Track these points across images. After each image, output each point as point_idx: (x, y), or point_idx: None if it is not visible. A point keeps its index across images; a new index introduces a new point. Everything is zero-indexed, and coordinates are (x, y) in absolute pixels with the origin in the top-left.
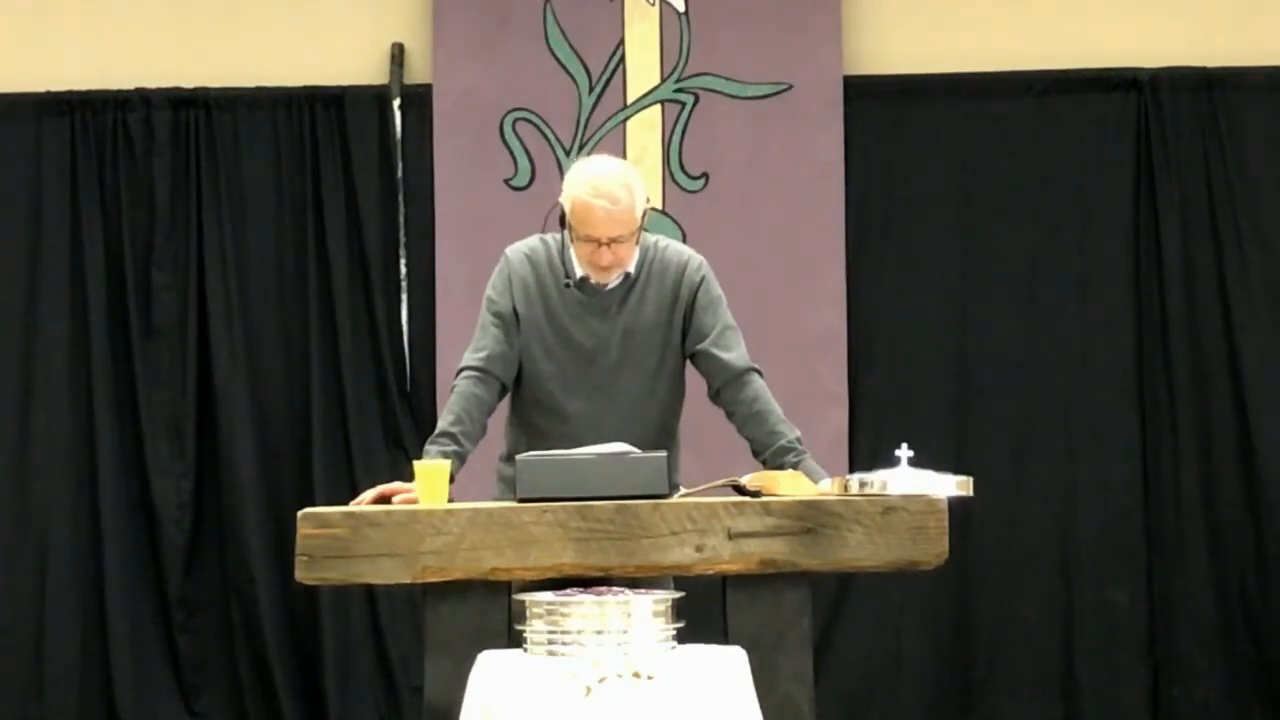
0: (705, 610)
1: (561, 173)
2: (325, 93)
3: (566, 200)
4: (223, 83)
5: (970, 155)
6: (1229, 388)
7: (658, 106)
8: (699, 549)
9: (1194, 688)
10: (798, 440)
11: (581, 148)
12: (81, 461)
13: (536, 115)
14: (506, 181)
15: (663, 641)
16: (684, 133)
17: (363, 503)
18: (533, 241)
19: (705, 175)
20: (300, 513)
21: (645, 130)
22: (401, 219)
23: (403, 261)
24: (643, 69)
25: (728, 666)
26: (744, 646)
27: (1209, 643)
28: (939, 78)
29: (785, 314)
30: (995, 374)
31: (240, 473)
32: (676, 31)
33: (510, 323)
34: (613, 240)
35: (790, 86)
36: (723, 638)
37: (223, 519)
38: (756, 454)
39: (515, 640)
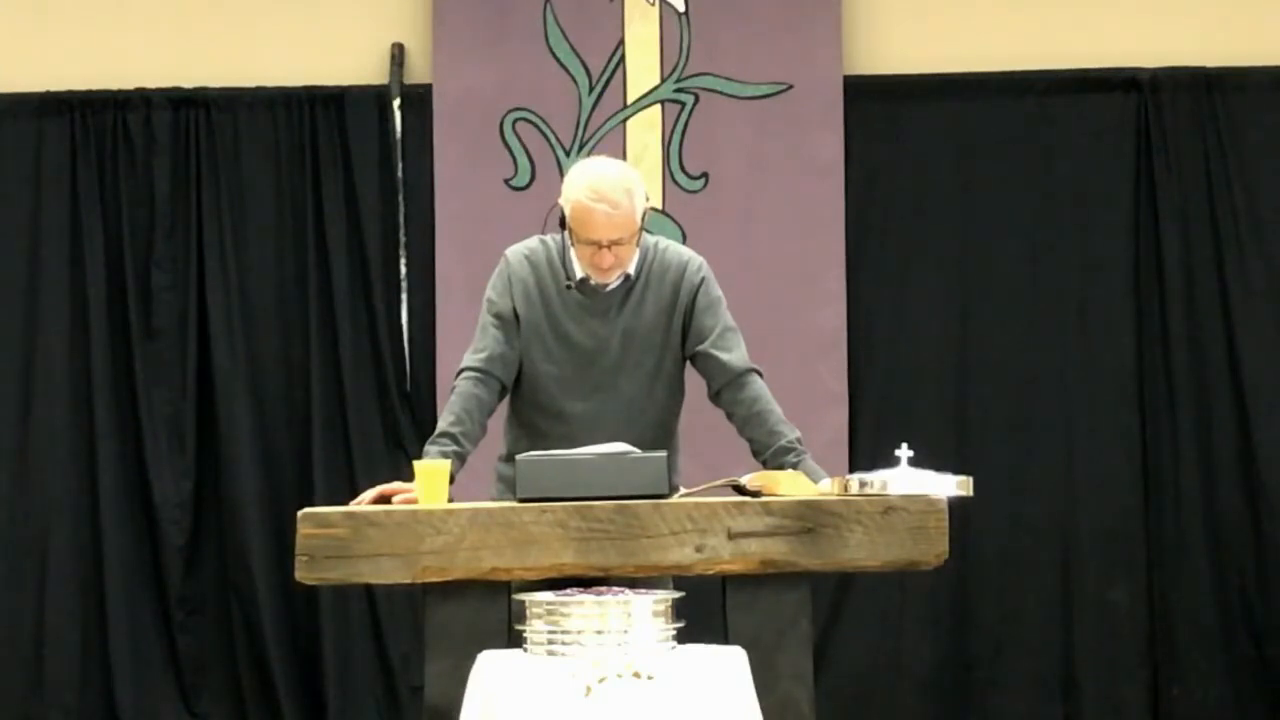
0: (705, 610)
1: (561, 173)
2: (325, 93)
3: (566, 203)
4: (223, 83)
5: (970, 155)
6: (1229, 388)
7: (658, 106)
8: (699, 549)
9: (1194, 688)
10: (798, 440)
11: (581, 148)
12: (81, 461)
13: (536, 115)
14: (506, 181)
15: (663, 641)
16: (684, 133)
17: (363, 503)
18: (532, 243)
19: (705, 175)
20: (300, 513)
21: (645, 130)
22: (401, 219)
23: (403, 261)
24: (643, 69)
25: (728, 666)
26: (744, 646)
27: (1209, 643)
28: (939, 78)
29: (785, 314)
30: (995, 374)
31: (240, 473)
32: (676, 31)
33: (510, 324)
34: (613, 243)
35: (790, 86)
36: (723, 638)
37: (223, 519)
38: (756, 454)
39: (515, 640)
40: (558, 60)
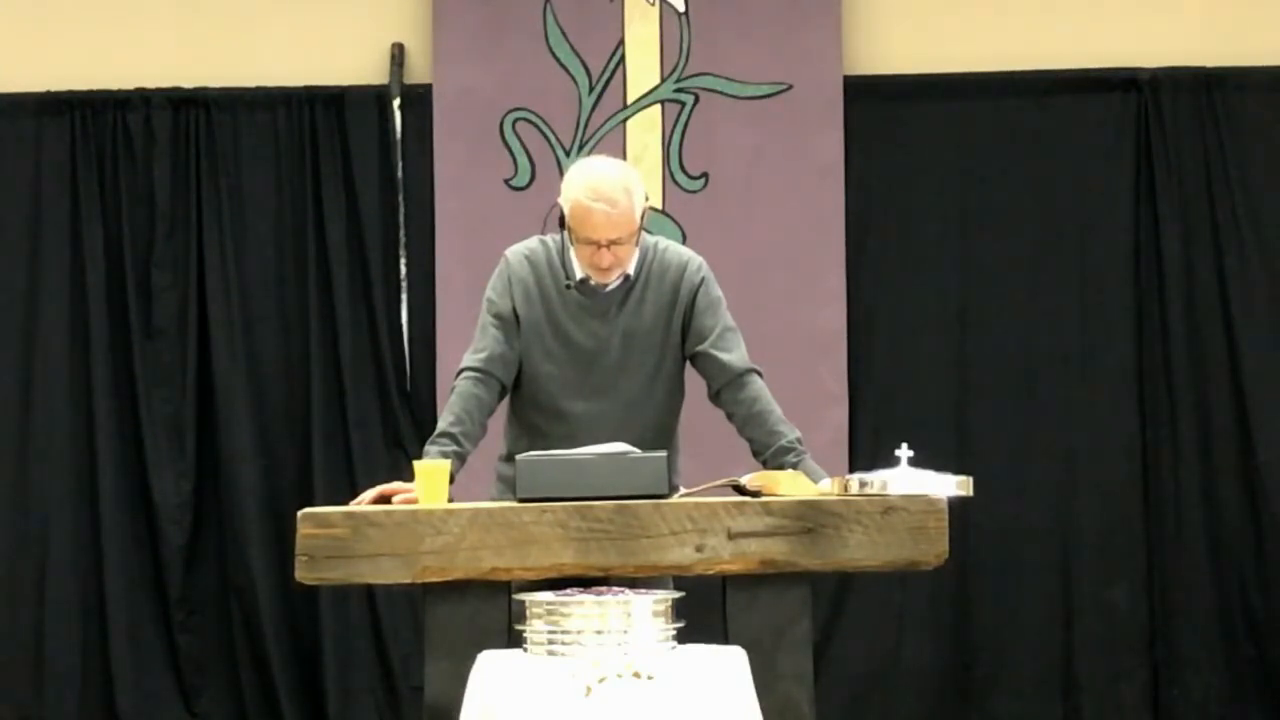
0: (705, 610)
1: (561, 173)
2: (325, 93)
3: (566, 203)
4: (223, 83)
5: (970, 155)
6: (1229, 388)
7: (658, 106)
8: (699, 549)
9: (1194, 688)
10: (798, 440)
11: (581, 148)
12: (81, 462)
13: (536, 115)
14: (506, 181)
15: (663, 641)
16: (684, 133)
17: (363, 503)
18: (532, 243)
19: (705, 175)
20: (300, 513)
21: (645, 130)
22: (401, 219)
23: (403, 261)
24: (643, 69)
25: (728, 666)
26: (744, 646)
27: (1209, 643)
28: (939, 78)
29: (785, 314)
30: (995, 374)
31: (240, 473)
32: (676, 31)
33: (510, 324)
34: (612, 242)
35: (790, 86)
36: (723, 638)
37: (223, 519)
38: (756, 454)
39: (515, 640)
40: (558, 60)
